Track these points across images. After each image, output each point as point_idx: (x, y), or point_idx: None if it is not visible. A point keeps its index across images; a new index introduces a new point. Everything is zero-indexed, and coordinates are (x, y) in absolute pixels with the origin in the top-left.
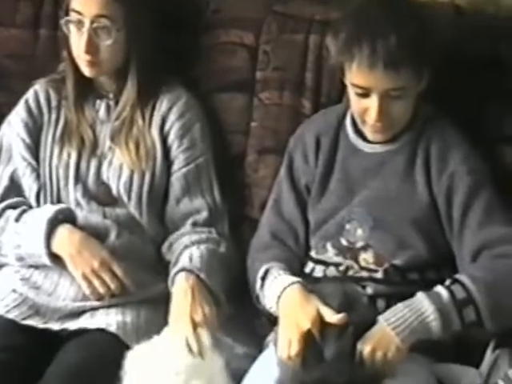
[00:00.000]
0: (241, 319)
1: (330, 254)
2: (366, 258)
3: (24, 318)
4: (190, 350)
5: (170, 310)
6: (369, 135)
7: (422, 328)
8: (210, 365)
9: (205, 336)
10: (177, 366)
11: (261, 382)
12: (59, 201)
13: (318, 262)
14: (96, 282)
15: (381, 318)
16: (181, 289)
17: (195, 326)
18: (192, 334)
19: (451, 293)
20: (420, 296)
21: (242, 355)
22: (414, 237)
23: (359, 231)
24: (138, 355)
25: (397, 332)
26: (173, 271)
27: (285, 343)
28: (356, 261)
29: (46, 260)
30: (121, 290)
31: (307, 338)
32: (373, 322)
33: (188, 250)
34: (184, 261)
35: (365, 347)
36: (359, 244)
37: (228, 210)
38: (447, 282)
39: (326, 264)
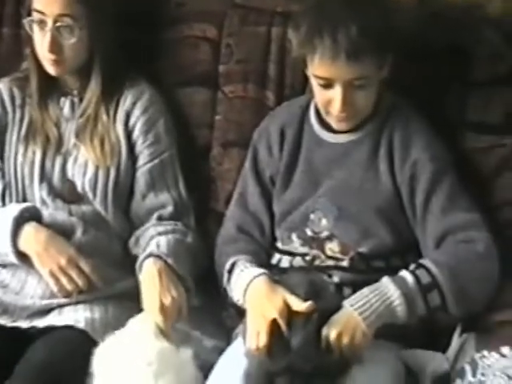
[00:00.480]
0: (209, 312)
1: (296, 245)
2: (332, 247)
3: None
4: (161, 334)
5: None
6: (333, 125)
7: (387, 312)
8: (179, 356)
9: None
10: (147, 357)
11: (229, 373)
12: (25, 199)
13: (284, 252)
14: (63, 279)
15: (346, 303)
16: (149, 274)
17: (164, 310)
18: (161, 318)
19: (416, 277)
20: (385, 281)
21: (210, 348)
22: (378, 225)
23: (324, 221)
24: (106, 350)
25: (363, 317)
26: (140, 258)
27: (253, 334)
28: (322, 250)
29: (12, 258)
30: (88, 287)
31: (274, 329)
32: (339, 309)
33: (155, 239)
34: (151, 248)
35: (331, 332)
36: (324, 234)
37: (193, 203)
38: (412, 267)
39: (292, 254)
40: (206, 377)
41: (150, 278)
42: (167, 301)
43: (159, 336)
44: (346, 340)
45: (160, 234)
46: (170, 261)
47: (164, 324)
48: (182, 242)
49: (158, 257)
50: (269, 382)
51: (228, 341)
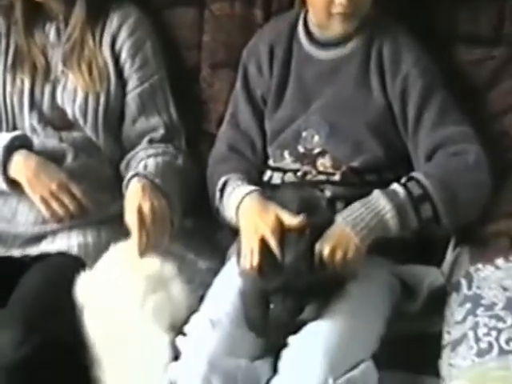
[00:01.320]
0: (203, 234)
1: (288, 162)
2: (324, 162)
3: None
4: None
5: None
6: (336, 28)
7: (379, 225)
8: (163, 273)
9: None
10: (131, 281)
11: (224, 293)
12: (15, 128)
13: (275, 169)
14: (55, 204)
15: (338, 218)
16: (132, 190)
17: (143, 216)
18: (138, 228)
19: (407, 190)
20: (376, 194)
21: (205, 269)
22: (370, 140)
23: (316, 138)
24: (89, 280)
25: (355, 231)
26: (127, 177)
27: (246, 253)
28: (313, 166)
29: (3, 186)
30: (80, 211)
31: (267, 247)
32: (331, 224)
33: (144, 161)
34: (139, 168)
35: (324, 248)
36: (316, 150)
37: (185, 126)
38: (403, 180)
39: (283, 171)
40: (201, 298)
41: (133, 193)
42: (146, 207)
43: (141, 257)
44: (339, 255)
45: (150, 156)
46: (156, 180)
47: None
48: (171, 164)
49: (144, 176)
50: (264, 300)
51: (222, 262)
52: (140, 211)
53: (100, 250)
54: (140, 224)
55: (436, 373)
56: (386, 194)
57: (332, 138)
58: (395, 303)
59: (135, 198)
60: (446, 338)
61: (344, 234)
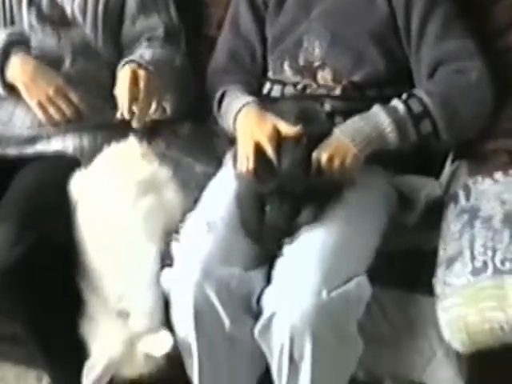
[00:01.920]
0: (200, 139)
1: (288, 74)
2: (324, 75)
3: None
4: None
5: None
6: None
7: (378, 138)
8: (158, 176)
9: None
10: (126, 181)
11: (219, 197)
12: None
13: (275, 82)
14: (51, 109)
15: (336, 130)
16: (125, 71)
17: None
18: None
19: (407, 106)
20: (376, 109)
21: (201, 174)
22: (372, 51)
23: (317, 50)
24: (84, 177)
25: (354, 142)
26: (120, 64)
27: (242, 158)
28: (314, 79)
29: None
30: (77, 117)
31: (263, 152)
32: (329, 136)
33: (140, 51)
34: (134, 56)
35: (321, 155)
36: (317, 63)
37: (185, 28)
38: (404, 97)
39: (283, 84)
40: (196, 201)
41: (125, 74)
42: (140, 83)
43: (139, 158)
44: (337, 162)
45: (147, 47)
46: (150, 67)
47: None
48: (168, 60)
49: (138, 63)
50: (259, 203)
51: (219, 167)
52: (131, 84)
53: (95, 152)
54: (131, 94)
55: (430, 290)
56: (385, 109)
57: (333, 48)
58: (392, 214)
59: (126, 77)
60: (442, 255)
61: (342, 143)
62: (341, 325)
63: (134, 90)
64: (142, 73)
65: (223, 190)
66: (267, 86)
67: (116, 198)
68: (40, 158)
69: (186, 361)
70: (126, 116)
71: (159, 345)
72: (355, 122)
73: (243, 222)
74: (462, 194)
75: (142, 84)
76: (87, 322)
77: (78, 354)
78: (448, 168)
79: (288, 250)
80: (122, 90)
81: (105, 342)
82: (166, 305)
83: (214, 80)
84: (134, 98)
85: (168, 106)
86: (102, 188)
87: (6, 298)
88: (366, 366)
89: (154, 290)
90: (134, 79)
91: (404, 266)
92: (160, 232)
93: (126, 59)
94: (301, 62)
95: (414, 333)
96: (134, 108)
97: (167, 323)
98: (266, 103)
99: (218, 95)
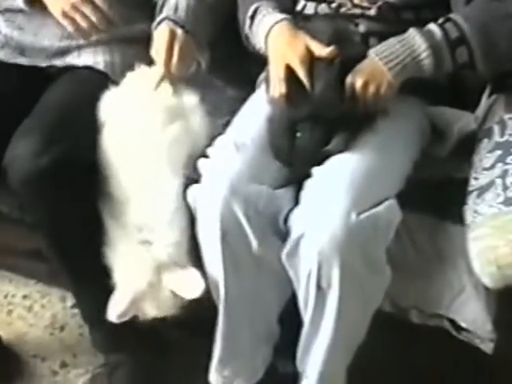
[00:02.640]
0: (232, 61)
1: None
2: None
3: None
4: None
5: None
6: None
7: (413, 64)
8: (185, 104)
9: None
10: (154, 107)
11: (251, 119)
12: None
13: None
14: (77, 17)
15: (372, 52)
16: (161, 31)
17: (170, 56)
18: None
19: (444, 31)
20: (412, 32)
21: (233, 98)
22: None
23: None
24: (114, 98)
25: (389, 67)
26: (157, 19)
27: (275, 81)
28: None
29: (22, 5)
30: (105, 25)
31: (296, 76)
32: (364, 59)
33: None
34: (169, 8)
35: (356, 80)
36: None
37: None
38: (440, 21)
39: (317, 1)
40: (227, 125)
41: (161, 34)
42: (175, 48)
43: (166, 87)
44: (371, 89)
45: None
46: (186, 26)
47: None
48: (201, 4)
49: (174, 21)
50: (291, 128)
51: (252, 90)
52: (168, 46)
53: (126, 69)
54: (167, 58)
55: (460, 220)
56: (422, 33)
57: None
58: (424, 145)
59: (163, 39)
60: (473, 184)
61: (377, 68)
62: (369, 249)
63: (170, 52)
64: (178, 34)
65: (255, 112)
66: (301, 2)
67: (143, 122)
68: (71, 71)
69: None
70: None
71: (189, 286)
72: (391, 45)
73: (273, 147)
74: (496, 129)
75: (177, 47)
76: (110, 250)
77: (103, 279)
78: (484, 102)
79: (318, 171)
80: (158, 52)
81: (129, 273)
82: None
83: None
84: (170, 60)
85: (203, 60)
86: (130, 111)
87: (28, 208)
88: (392, 297)
89: (179, 219)
90: (171, 41)
91: (434, 194)
92: (185, 159)
93: (161, 16)
94: None
95: (443, 263)
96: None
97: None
98: (299, 21)
99: (250, 11)
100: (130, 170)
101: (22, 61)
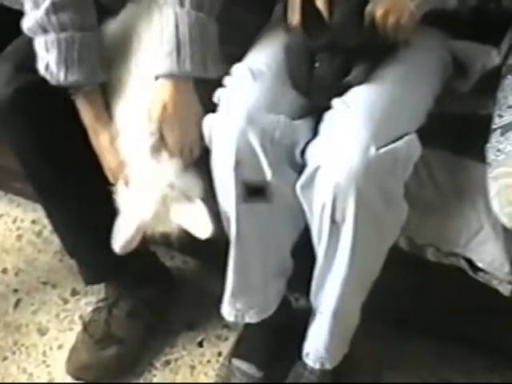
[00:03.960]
0: None
1: None
2: None
3: None
4: None
5: None
6: None
7: None
8: None
9: None
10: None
11: (268, 47)
12: None
13: None
14: None
15: None
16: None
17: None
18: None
19: None
20: None
21: (252, 25)
22: None
23: None
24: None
25: None
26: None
27: (292, 8)
28: None
29: None
30: None
31: (313, 3)
32: None
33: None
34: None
35: (376, 9)
36: None
37: None
38: None
39: None
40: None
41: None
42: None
43: None
44: (392, 19)
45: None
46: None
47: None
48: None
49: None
50: (309, 57)
51: (270, 17)
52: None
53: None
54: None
55: (481, 158)
56: None
57: None
58: (446, 79)
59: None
60: (497, 122)
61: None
62: (387, 184)
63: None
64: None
65: (272, 40)
66: None
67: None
68: None
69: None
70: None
71: (197, 222)
72: None
73: (292, 76)
74: None
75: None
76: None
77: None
78: (509, 36)
79: (337, 103)
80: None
81: (135, 201)
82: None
83: None
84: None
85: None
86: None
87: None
88: (409, 234)
89: None
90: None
91: (456, 130)
92: None
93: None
94: None
95: (462, 201)
96: None
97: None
98: None
99: None
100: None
101: None
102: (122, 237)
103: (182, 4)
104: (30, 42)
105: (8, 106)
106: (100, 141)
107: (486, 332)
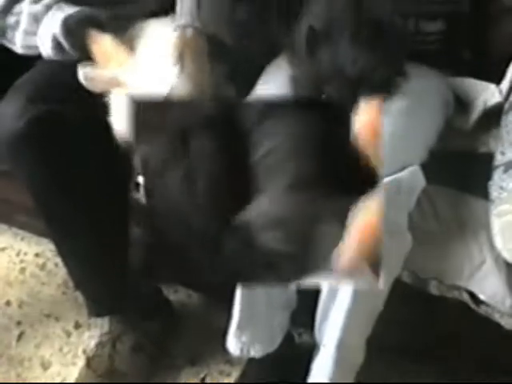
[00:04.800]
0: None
1: None
2: None
3: None
4: None
5: None
6: None
7: None
8: None
9: None
10: None
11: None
12: None
13: None
14: None
15: None
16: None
17: None
18: None
19: None
20: None
21: None
22: None
23: None
24: None
25: None
26: None
27: None
28: None
29: None
30: None
31: None
32: None
33: None
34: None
35: None
36: None
37: None
38: None
39: None
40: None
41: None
42: None
43: None
44: None
45: None
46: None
47: None
48: None
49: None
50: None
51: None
52: None
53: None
54: None
55: (483, 194)
56: None
57: None
58: (448, 116)
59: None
60: (500, 159)
61: None
62: (390, 214)
63: None
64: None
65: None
66: None
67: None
68: None
69: None
70: None
71: None
72: None
73: None
74: None
75: None
76: None
77: None
78: (510, 73)
79: None
80: None
81: None
82: None
83: None
84: None
85: None
86: None
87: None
88: (412, 267)
89: None
90: None
91: (458, 167)
92: None
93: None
94: None
95: (465, 234)
96: None
97: None
98: None
99: None
100: None
101: None
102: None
103: None
104: (40, 73)
105: (20, 138)
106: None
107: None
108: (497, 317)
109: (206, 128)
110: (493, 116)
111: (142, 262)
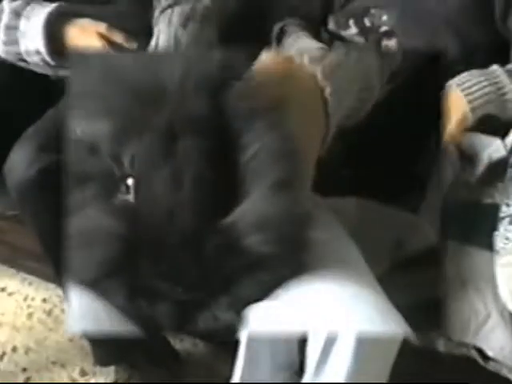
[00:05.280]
0: None
1: (352, 32)
2: (389, 45)
3: None
4: None
5: None
6: None
7: (498, 102)
8: None
9: None
10: None
11: None
12: None
13: (336, 37)
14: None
15: (453, 82)
16: None
17: None
18: None
19: None
20: (496, 68)
21: None
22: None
23: (385, 16)
24: None
25: (469, 99)
26: None
27: None
28: (378, 45)
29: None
30: None
31: None
32: None
33: None
34: None
35: None
36: (383, 28)
37: None
38: None
39: (344, 41)
40: None
41: None
42: None
43: None
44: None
45: None
46: None
47: None
48: None
49: None
50: None
51: None
52: None
53: None
54: None
55: (486, 245)
56: (508, 73)
57: (403, 21)
58: (452, 171)
59: None
60: (505, 211)
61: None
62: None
63: None
64: None
65: None
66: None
67: None
68: None
69: None
70: None
71: None
72: (475, 76)
73: None
74: None
75: None
76: None
77: None
78: None
79: None
80: None
81: None
82: None
83: None
84: None
85: None
86: None
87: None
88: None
89: None
90: None
91: (462, 219)
92: None
93: None
94: (367, 23)
95: (467, 289)
96: None
97: None
98: None
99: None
100: None
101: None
102: None
103: None
104: (52, 121)
105: (31, 186)
106: None
107: None
108: (505, 372)
109: (195, 127)
110: (497, 169)
111: None
